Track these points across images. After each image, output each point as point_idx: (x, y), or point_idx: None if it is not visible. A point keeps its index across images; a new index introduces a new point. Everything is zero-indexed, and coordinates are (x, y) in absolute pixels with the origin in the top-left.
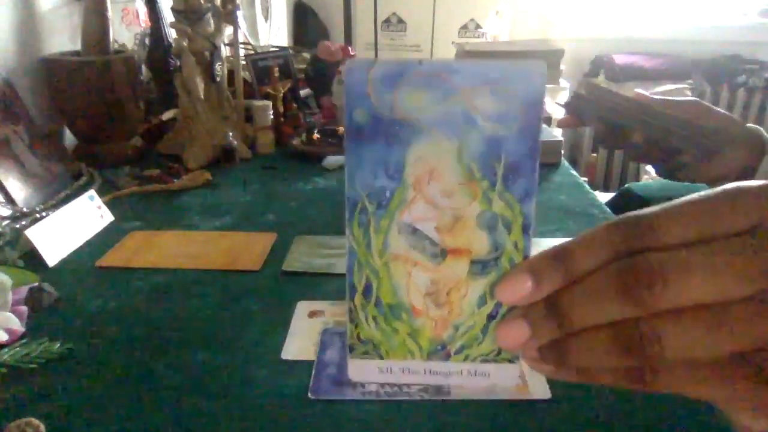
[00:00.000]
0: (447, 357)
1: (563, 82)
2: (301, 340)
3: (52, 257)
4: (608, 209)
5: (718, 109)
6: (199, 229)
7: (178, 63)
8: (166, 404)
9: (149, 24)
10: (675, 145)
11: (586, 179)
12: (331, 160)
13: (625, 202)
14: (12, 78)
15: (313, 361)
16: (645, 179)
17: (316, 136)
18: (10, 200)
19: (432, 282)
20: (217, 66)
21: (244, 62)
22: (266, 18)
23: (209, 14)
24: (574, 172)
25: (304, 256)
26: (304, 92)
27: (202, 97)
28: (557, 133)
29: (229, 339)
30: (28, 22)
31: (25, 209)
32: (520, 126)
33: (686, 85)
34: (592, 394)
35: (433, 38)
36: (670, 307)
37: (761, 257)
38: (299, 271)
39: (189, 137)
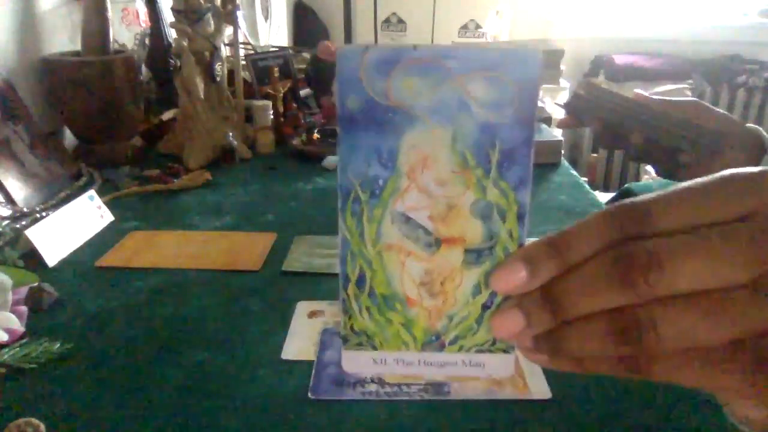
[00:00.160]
0: (441, 347)
1: (563, 82)
2: (301, 340)
3: (52, 257)
4: None
5: (718, 109)
6: (199, 229)
7: (178, 63)
8: (166, 404)
9: (149, 24)
10: (675, 145)
11: (586, 179)
12: (331, 160)
13: None
14: (12, 78)
15: (313, 361)
16: (645, 179)
17: (316, 136)
18: (10, 200)
19: (426, 272)
20: (217, 66)
21: (244, 62)
22: (266, 18)
23: (209, 14)
24: (574, 172)
25: (304, 256)
26: (304, 92)
27: (202, 97)
28: (557, 133)
29: (229, 339)
30: (28, 22)
31: (25, 209)
32: (515, 113)
33: (686, 85)
34: (592, 394)
35: (433, 38)
36: (665, 293)
37: (757, 243)
38: (299, 271)
39: (189, 137)
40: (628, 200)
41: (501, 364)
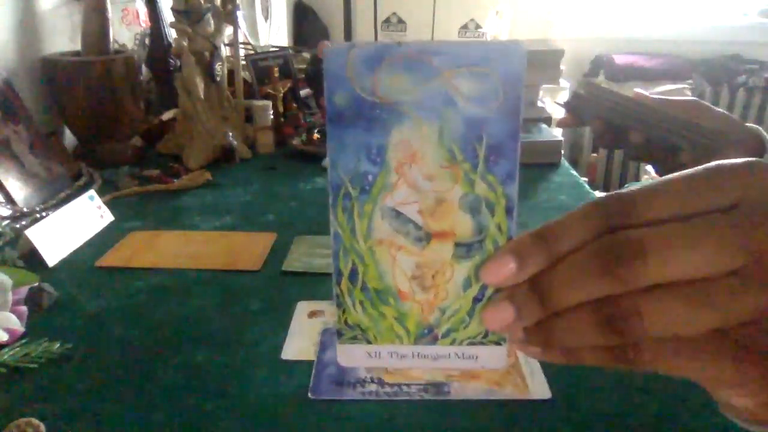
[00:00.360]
0: (434, 340)
1: (563, 82)
2: (301, 340)
3: (52, 257)
4: None
5: (717, 108)
6: (199, 229)
7: (178, 63)
8: (166, 404)
9: (149, 24)
10: (674, 144)
11: (586, 179)
12: None
13: None
14: (12, 78)
15: (313, 361)
16: (645, 179)
17: (316, 136)
18: (10, 200)
19: (417, 266)
20: (217, 66)
21: (244, 62)
22: (266, 18)
23: (209, 14)
24: (574, 172)
25: (304, 256)
26: (304, 92)
27: (202, 97)
28: (557, 133)
29: (229, 339)
30: (28, 22)
31: (25, 209)
32: (501, 107)
33: (686, 85)
34: (592, 394)
35: (433, 38)
36: (650, 282)
37: (741, 233)
38: (299, 271)
39: (189, 137)
40: (615, 192)
41: (494, 355)
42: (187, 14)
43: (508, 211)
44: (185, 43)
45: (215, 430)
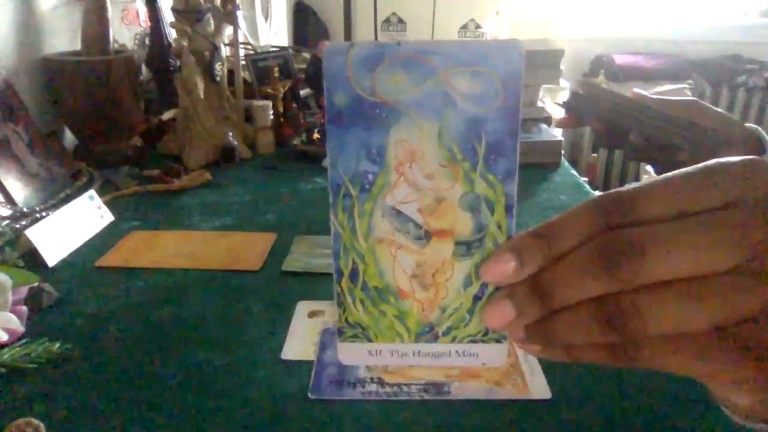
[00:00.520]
0: (435, 338)
1: (563, 82)
2: (301, 340)
3: (52, 257)
4: None
5: (716, 108)
6: (199, 229)
7: (178, 63)
8: (166, 404)
9: (149, 24)
10: (673, 144)
11: (586, 179)
12: None
13: None
14: (12, 78)
15: (313, 361)
16: (645, 179)
17: (316, 136)
18: (10, 200)
19: (417, 264)
20: (217, 66)
21: (244, 62)
22: (266, 18)
23: (209, 14)
24: (574, 172)
25: (304, 256)
26: (304, 92)
27: (202, 97)
28: (557, 133)
29: (229, 339)
30: (28, 22)
31: (25, 209)
32: (500, 106)
33: (686, 85)
34: (592, 394)
35: (433, 38)
36: (649, 280)
37: (740, 230)
38: (299, 271)
39: (189, 137)
40: (614, 190)
41: (494, 353)
42: (187, 14)
43: (508, 209)
44: (185, 43)
45: (215, 429)
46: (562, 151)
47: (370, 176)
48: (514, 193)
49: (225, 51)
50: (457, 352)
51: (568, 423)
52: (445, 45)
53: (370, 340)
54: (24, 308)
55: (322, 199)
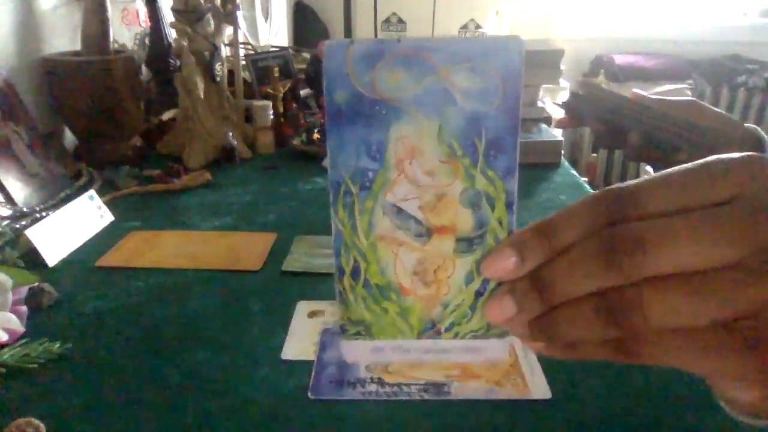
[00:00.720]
0: (437, 335)
1: (563, 82)
2: (301, 340)
3: (52, 257)
4: None
5: (716, 108)
6: (199, 229)
7: (178, 63)
8: (165, 404)
9: (149, 24)
10: (672, 144)
11: (586, 179)
12: None
13: None
14: (12, 78)
15: (313, 361)
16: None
17: (316, 136)
18: (10, 200)
19: (419, 261)
20: (217, 66)
21: (244, 62)
22: (266, 18)
23: (209, 14)
24: (574, 172)
25: (304, 256)
26: (304, 92)
27: (202, 97)
28: (557, 133)
29: (229, 339)
30: (28, 22)
31: (25, 209)
32: (500, 102)
33: (686, 85)
34: (592, 394)
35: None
36: (650, 274)
37: (740, 225)
38: (299, 271)
39: (189, 137)
40: (615, 185)
41: (497, 348)
42: (187, 14)
43: (509, 205)
44: (185, 43)
45: (215, 430)
46: (562, 151)
47: (370, 174)
48: (515, 189)
49: (225, 51)
50: (460, 348)
51: (568, 423)
52: (444, 42)
53: (373, 338)
54: (24, 308)
55: (322, 199)
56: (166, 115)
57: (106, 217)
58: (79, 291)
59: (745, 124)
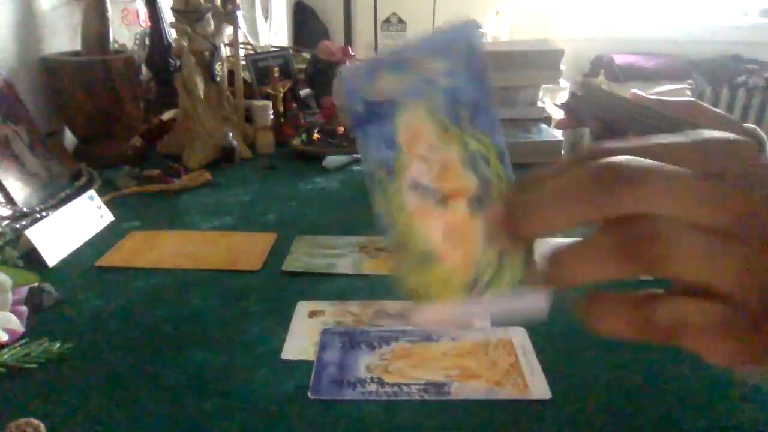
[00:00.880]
0: (481, 292)
1: (563, 82)
2: (301, 340)
3: (52, 257)
4: None
5: (715, 109)
6: (199, 229)
7: (178, 63)
8: (166, 404)
9: (149, 24)
10: None
11: None
12: (331, 160)
13: None
14: (12, 78)
15: (313, 361)
16: None
17: (316, 136)
18: (10, 200)
19: (445, 226)
20: (217, 66)
21: (244, 62)
22: (266, 18)
23: (209, 14)
24: None
25: (304, 256)
26: (304, 92)
27: (202, 97)
28: (557, 133)
29: (229, 339)
30: (28, 22)
31: (25, 209)
32: (470, 74)
33: (686, 85)
34: (592, 394)
35: None
36: (641, 206)
37: (721, 192)
38: (299, 271)
39: (189, 137)
40: (604, 161)
41: (536, 300)
42: (187, 14)
43: (501, 158)
44: (185, 43)
45: (215, 430)
46: (562, 151)
47: (390, 161)
48: (502, 142)
49: (225, 51)
50: (502, 302)
51: (568, 423)
52: (415, 40)
53: (429, 302)
54: (24, 308)
55: (322, 199)
56: (166, 115)
57: (106, 217)
58: (79, 291)
59: (745, 124)
